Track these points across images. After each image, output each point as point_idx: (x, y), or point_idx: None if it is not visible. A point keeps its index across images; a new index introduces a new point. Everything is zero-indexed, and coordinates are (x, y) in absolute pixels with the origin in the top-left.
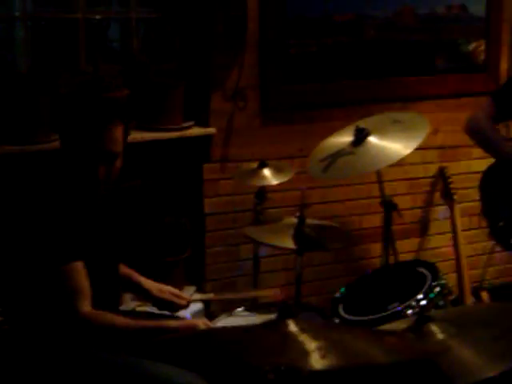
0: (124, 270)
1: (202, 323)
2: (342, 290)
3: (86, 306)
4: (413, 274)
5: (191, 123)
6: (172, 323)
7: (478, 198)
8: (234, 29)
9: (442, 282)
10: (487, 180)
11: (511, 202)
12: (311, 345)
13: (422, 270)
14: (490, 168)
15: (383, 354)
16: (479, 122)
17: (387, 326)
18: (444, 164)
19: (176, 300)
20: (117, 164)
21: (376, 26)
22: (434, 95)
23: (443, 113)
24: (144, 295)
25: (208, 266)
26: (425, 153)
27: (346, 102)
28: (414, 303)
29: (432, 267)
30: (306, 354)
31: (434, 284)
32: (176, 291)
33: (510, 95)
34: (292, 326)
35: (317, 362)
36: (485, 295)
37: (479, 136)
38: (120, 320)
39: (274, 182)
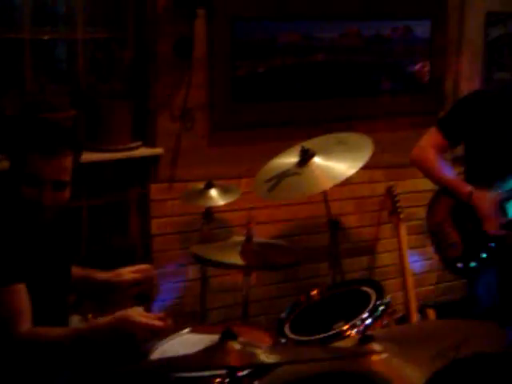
0: (79, 272)
1: (136, 314)
2: (288, 309)
3: (24, 327)
4: (358, 293)
5: (139, 143)
6: (103, 320)
7: (424, 216)
8: (182, 49)
9: (387, 300)
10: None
11: (459, 229)
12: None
13: (367, 288)
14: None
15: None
16: (427, 155)
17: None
18: (391, 183)
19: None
20: (65, 193)
21: (322, 48)
22: (380, 115)
23: (389, 132)
24: (105, 289)
25: (155, 287)
26: (372, 172)
27: (293, 123)
28: (358, 322)
29: (377, 286)
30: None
31: (378, 303)
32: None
33: (457, 122)
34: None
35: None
36: (431, 313)
37: (428, 169)
38: (54, 331)
39: (221, 202)
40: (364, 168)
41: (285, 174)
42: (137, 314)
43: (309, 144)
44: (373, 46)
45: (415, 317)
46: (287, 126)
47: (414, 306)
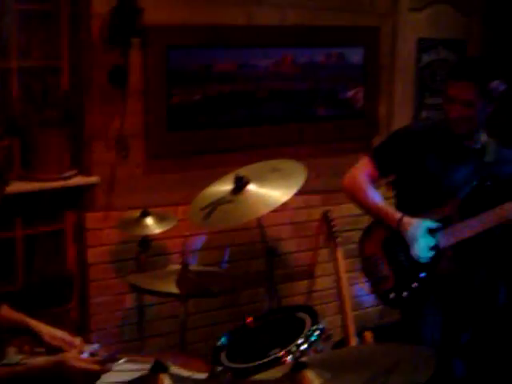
0: (13, 315)
1: (72, 357)
2: (223, 338)
3: None
4: (293, 319)
5: (74, 172)
6: (39, 361)
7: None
8: (117, 78)
9: (322, 326)
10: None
11: (391, 261)
12: None
13: (302, 314)
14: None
15: None
16: (359, 183)
17: (266, 373)
18: (327, 208)
19: (67, 348)
20: None
21: (257, 75)
22: (315, 141)
23: (325, 158)
24: (36, 339)
25: (93, 317)
26: (309, 197)
27: (229, 150)
28: (294, 348)
29: (311, 311)
30: None
31: (313, 328)
32: (69, 338)
33: (388, 155)
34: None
35: None
36: (368, 336)
37: (359, 197)
38: None
39: (157, 230)
40: (301, 193)
41: (220, 202)
42: (74, 358)
43: (243, 171)
44: (307, 73)
45: (353, 340)
46: (223, 154)
47: (352, 329)
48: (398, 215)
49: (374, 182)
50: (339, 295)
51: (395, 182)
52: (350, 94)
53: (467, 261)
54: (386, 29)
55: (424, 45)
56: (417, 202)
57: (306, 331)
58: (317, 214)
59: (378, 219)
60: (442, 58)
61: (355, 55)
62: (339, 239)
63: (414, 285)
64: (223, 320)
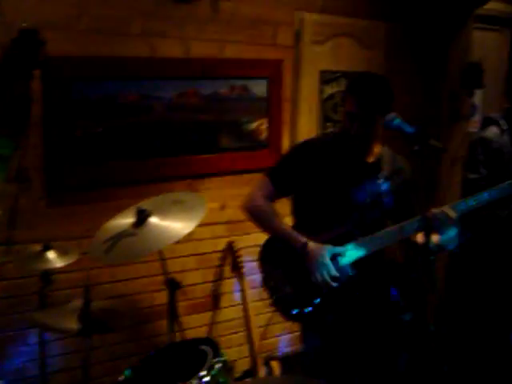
0: None
1: None
2: (126, 372)
3: None
4: (196, 352)
5: None
6: None
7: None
8: (16, 110)
9: (223, 358)
10: (266, 252)
11: (289, 274)
12: None
13: (204, 347)
14: (268, 241)
15: None
16: (260, 205)
17: None
18: (232, 238)
19: None
20: None
21: (161, 107)
22: (220, 172)
23: (230, 189)
24: None
25: None
26: (214, 228)
27: (133, 182)
28: (196, 381)
29: (213, 343)
30: None
31: (215, 360)
32: None
33: (285, 171)
34: None
35: None
36: (275, 365)
37: (261, 219)
38: None
39: (59, 264)
40: (206, 224)
41: (121, 235)
42: None
43: (145, 204)
44: (211, 104)
45: (261, 370)
46: (127, 186)
47: (259, 359)
48: (303, 240)
49: (274, 200)
50: (246, 325)
51: (293, 206)
52: (254, 126)
53: (365, 273)
54: (289, 61)
55: (326, 77)
56: (314, 217)
57: (207, 363)
58: (223, 244)
59: (280, 239)
60: (343, 89)
61: (259, 87)
62: (244, 269)
63: (317, 301)
64: (127, 354)
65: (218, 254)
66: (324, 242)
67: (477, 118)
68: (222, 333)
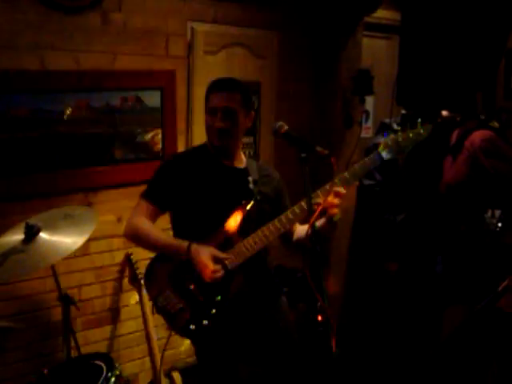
0: None
1: None
2: None
3: None
4: (91, 367)
5: None
6: None
7: None
8: None
9: (117, 372)
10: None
11: (178, 291)
12: None
13: (99, 361)
14: (148, 267)
15: None
16: (140, 225)
17: None
18: (130, 250)
19: None
20: None
21: (51, 121)
22: (115, 184)
23: (126, 201)
24: None
25: None
26: (111, 241)
27: (24, 197)
28: None
29: (107, 358)
30: None
31: (109, 375)
32: None
33: (160, 185)
34: None
35: None
36: (177, 376)
37: (143, 238)
38: None
39: None
40: (102, 237)
41: (10, 252)
42: None
43: (34, 219)
44: (103, 116)
45: (164, 382)
46: (17, 202)
47: (160, 370)
48: (186, 243)
49: (154, 220)
50: (146, 337)
51: (172, 222)
52: (148, 136)
53: (256, 276)
54: (182, 72)
55: None
56: (193, 228)
57: (102, 378)
58: (120, 256)
59: (166, 253)
60: None
61: (152, 98)
62: (143, 281)
63: (213, 311)
64: (22, 373)
65: (116, 267)
66: None
67: (369, 124)
68: (123, 346)
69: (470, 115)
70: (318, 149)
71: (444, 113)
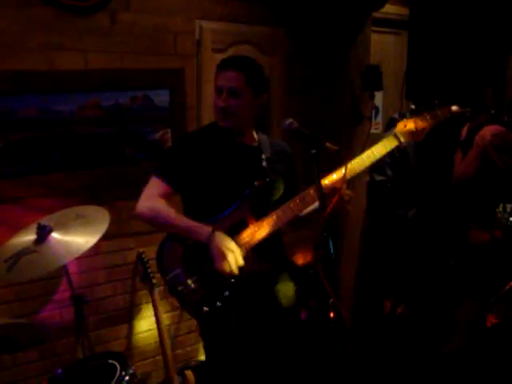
0: None
1: None
2: None
3: None
4: (104, 366)
5: None
6: None
7: None
8: None
9: (131, 371)
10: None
11: (191, 272)
12: None
13: (112, 361)
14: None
15: None
16: (157, 205)
17: None
18: (141, 249)
19: None
20: None
21: (61, 121)
22: (126, 183)
23: (137, 200)
24: None
25: None
26: (122, 240)
27: (35, 197)
28: None
29: (121, 357)
30: None
31: (123, 374)
32: None
33: (174, 163)
34: None
35: None
36: (190, 374)
37: (161, 219)
38: None
39: None
40: (114, 237)
41: (22, 253)
42: None
43: (46, 220)
44: (113, 116)
45: (176, 380)
46: (29, 201)
47: (173, 369)
48: (209, 228)
49: (167, 199)
50: (158, 336)
51: (183, 198)
52: (158, 135)
53: (268, 257)
54: (191, 70)
55: None
56: (205, 208)
57: (116, 377)
58: (132, 256)
59: (183, 235)
60: None
61: (161, 97)
62: (155, 280)
63: (226, 293)
64: (38, 372)
65: (128, 267)
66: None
67: (379, 120)
68: (135, 345)
69: (480, 110)
70: (328, 145)
71: (454, 108)
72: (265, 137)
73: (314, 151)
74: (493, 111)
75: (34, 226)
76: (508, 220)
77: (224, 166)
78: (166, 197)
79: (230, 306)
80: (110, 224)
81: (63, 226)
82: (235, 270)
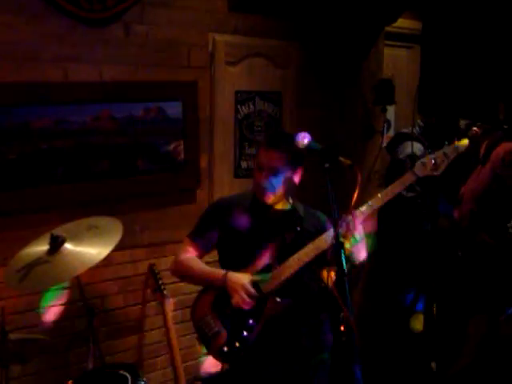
0: None
1: None
2: None
3: None
4: (116, 377)
5: None
6: None
7: (188, 291)
8: None
9: (142, 382)
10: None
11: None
12: None
13: (123, 372)
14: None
15: None
16: (183, 262)
17: None
18: (153, 261)
19: None
20: None
21: (75, 132)
22: (138, 195)
23: (149, 211)
24: None
25: None
26: (133, 252)
27: (48, 208)
28: None
29: (132, 368)
30: None
31: None
32: None
33: (205, 228)
34: None
35: None
36: None
37: (183, 271)
38: None
39: None
40: (125, 248)
41: (35, 263)
42: None
43: (59, 230)
44: (126, 127)
45: None
46: (42, 213)
47: (182, 381)
48: (223, 271)
49: (201, 257)
50: (169, 347)
51: (218, 248)
52: (171, 147)
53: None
54: (204, 83)
55: (241, 97)
56: (237, 264)
57: None
58: (143, 267)
59: (207, 283)
60: (258, 109)
61: (174, 109)
62: (166, 291)
63: (245, 334)
64: (53, 381)
65: (140, 278)
66: None
67: (391, 134)
68: (146, 357)
69: (494, 125)
70: (341, 159)
71: (474, 129)
72: (299, 203)
73: (327, 165)
74: (505, 126)
75: (46, 237)
76: None
77: (256, 229)
78: (198, 256)
79: (247, 347)
80: (122, 235)
81: (76, 237)
82: (246, 298)
